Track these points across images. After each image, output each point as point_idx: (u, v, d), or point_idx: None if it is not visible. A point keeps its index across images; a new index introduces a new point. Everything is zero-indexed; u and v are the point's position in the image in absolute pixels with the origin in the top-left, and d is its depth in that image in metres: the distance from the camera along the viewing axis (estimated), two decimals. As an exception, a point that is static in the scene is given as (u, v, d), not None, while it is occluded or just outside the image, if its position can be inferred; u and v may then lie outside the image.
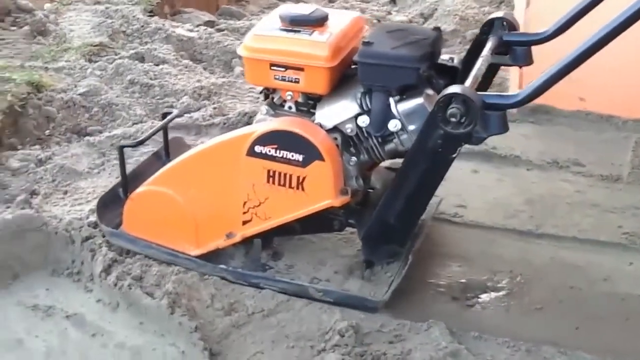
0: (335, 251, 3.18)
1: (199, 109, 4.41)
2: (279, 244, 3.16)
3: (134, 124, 4.25)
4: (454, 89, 2.50)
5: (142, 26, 5.48)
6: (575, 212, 3.51)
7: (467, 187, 3.69)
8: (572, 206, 3.56)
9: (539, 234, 3.36)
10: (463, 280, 3.07)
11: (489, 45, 2.89)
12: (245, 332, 2.80)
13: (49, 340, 2.78)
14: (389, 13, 6.26)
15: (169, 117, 3.38)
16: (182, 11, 6.29)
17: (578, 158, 3.93)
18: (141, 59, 4.99)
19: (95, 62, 4.93)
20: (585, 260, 3.19)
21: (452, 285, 3.05)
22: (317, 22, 2.86)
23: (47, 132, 4.21)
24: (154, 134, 3.30)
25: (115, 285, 2.93)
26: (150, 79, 4.68)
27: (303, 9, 2.91)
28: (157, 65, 4.89)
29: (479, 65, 2.74)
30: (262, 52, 2.85)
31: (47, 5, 5.77)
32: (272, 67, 2.83)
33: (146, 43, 5.28)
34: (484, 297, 3.00)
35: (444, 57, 2.95)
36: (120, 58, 4.93)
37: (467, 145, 3.88)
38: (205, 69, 5.07)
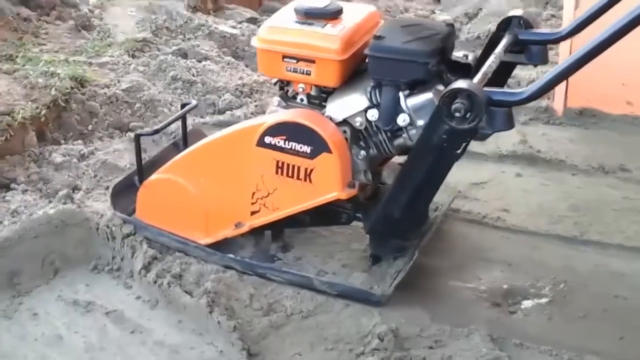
0: (344, 245, 3.20)
1: (240, 107, 4.41)
2: (290, 236, 3.19)
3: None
4: (459, 84, 2.49)
5: (186, 22, 5.49)
6: (621, 219, 3.43)
7: (510, 191, 3.65)
8: (618, 213, 3.49)
9: (584, 241, 3.30)
10: (505, 286, 3.02)
11: (503, 42, 2.88)
12: (284, 333, 2.79)
13: (88, 336, 2.79)
14: (433, 12, 6.20)
15: (186, 108, 3.44)
16: (225, 7, 6.29)
17: (625, 163, 3.86)
18: (184, 55, 5.00)
19: (139, 57, 4.95)
20: (631, 268, 3.12)
21: (493, 290, 3.00)
22: (331, 15, 2.88)
23: (89, 127, 4.24)
24: (170, 123, 3.37)
25: (155, 282, 2.94)
26: (193, 75, 4.69)
27: (318, 2, 2.92)
28: (200, 61, 4.89)
29: (490, 62, 2.73)
30: (274, 44, 2.88)
31: (92, 0, 5.80)
32: (285, 59, 2.86)
33: (189, 39, 5.29)
34: (527, 303, 2.95)
35: (458, 54, 2.94)
36: (163, 54, 4.95)
37: (510, 149, 3.93)
38: (247, 66, 5.06)
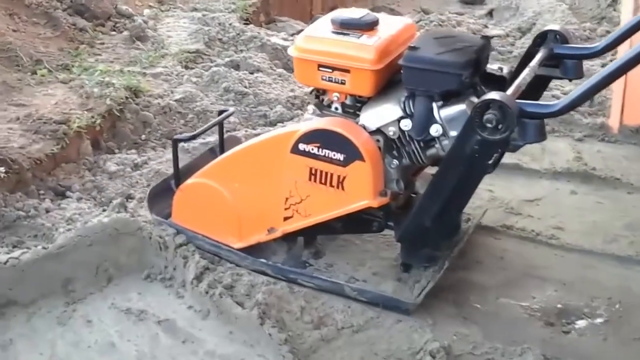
0: (375, 253, 3.21)
1: (292, 119, 4.43)
2: (322, 243, 3.22)
3: (227, 131, 4.28)
4: (492, 95, 2.51)
5: (238, 34, 5.54)
6: (678, 239, 3.37)
7: (564, 209, 3.60)
8: (675, 233, 3.42)
9: (640, 261, 3.24)
10: (559, 305, 2.97)
11: (538, 56, 2.91)
12: (334, 347, 2.77)
13: (140, 344, 2.81)
14: (485, 26, 6.17)
15: (224, 115, 3.52)
16: (276, 20, 6.34)
17: (681, 182, 3.78)
18: (236, 66, 5.04)
19: (192, 69, 5.01)
20: (689, 290, 3.06)
21: (547, 309, 2.96)
22: (367, 26, 2.93)
23: (143, 136, 4.29)
24: (207, 129, 3.46)
25: (207, 293, 2.95)
26: (245, 87, 4.72)
27: (354, 13, 2.97)
28: (252, 73, 4.93)
29: (524, 75, 2.76)
30: (310, 53, 2.94)
31: (147, 11, 5.88)
32: (320, 68, 2.91)
33: (241, 51, 5.33)
34: (581, 323, 2.91)
35: (492, 67, 2.97)
36: (215, 65, 4.99)
37: (565, 166, 3.87)
38: (299, 78, 5.08)
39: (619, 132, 4.23)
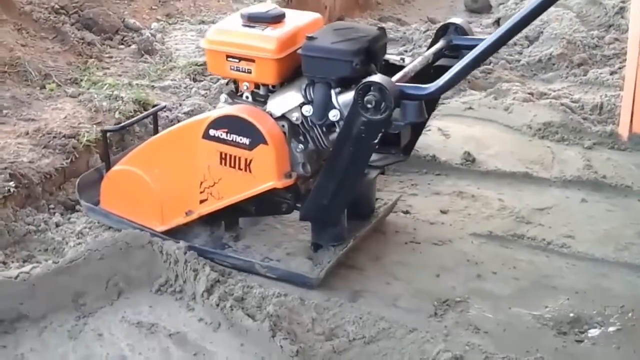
0: (293, 236, 3.40)
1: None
2: (244, 227, 3.42)
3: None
4: (372, 78, 2.73)
5: (246, 46, 5.52)
6: (690, 247, 3.35)
7: (575, 217, 3.59)
8: (687, 241, 3.40)
9: (652, 269, 3.21)
10: (572, 314, 2.96)
11: (436, 46, 3.14)
12: (346, 358, 2.76)
13: (151, 358, 2.80)
14: (492, 35, 6.15)
15: (156, 108, 3.78)
16: (284, 32, 6.33)
17: (692, 189, 3.77)
18: (244, 79, 5.03)
19: (200, 81, 5.02)
20: (702, 297, 3.04)
21: (559, 318, 2.95)
22: (272, 19, 3.14)
23: (152, 149, 4.28)
24: (137, 121, 3.79)
25: (217, 305, 2.94)
26: (253, 99, 4.71)
27: (262, 8, 3.21)
28: (260, 85, 4.92)
29: (415, 62, 3.01)
30: (219, 44, 3.15)
31: (154, 25, 5.90)
32: (228, 59, 3.12)
33: (249, 63, 5.32)
34: (594, 332, 2.89)
35: (395, 57, 3.19)
36: (223, 78, 4.98)
37: (575, 174, 3.86)
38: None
39: (628, 139, 4.23)
